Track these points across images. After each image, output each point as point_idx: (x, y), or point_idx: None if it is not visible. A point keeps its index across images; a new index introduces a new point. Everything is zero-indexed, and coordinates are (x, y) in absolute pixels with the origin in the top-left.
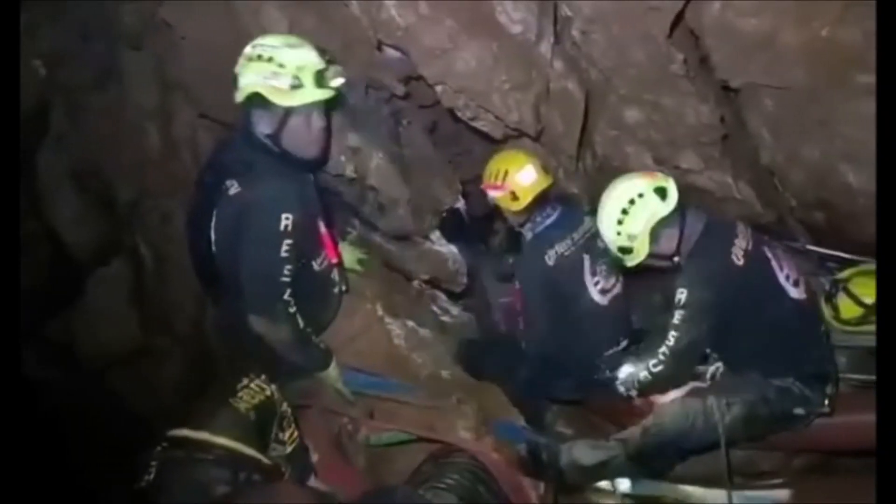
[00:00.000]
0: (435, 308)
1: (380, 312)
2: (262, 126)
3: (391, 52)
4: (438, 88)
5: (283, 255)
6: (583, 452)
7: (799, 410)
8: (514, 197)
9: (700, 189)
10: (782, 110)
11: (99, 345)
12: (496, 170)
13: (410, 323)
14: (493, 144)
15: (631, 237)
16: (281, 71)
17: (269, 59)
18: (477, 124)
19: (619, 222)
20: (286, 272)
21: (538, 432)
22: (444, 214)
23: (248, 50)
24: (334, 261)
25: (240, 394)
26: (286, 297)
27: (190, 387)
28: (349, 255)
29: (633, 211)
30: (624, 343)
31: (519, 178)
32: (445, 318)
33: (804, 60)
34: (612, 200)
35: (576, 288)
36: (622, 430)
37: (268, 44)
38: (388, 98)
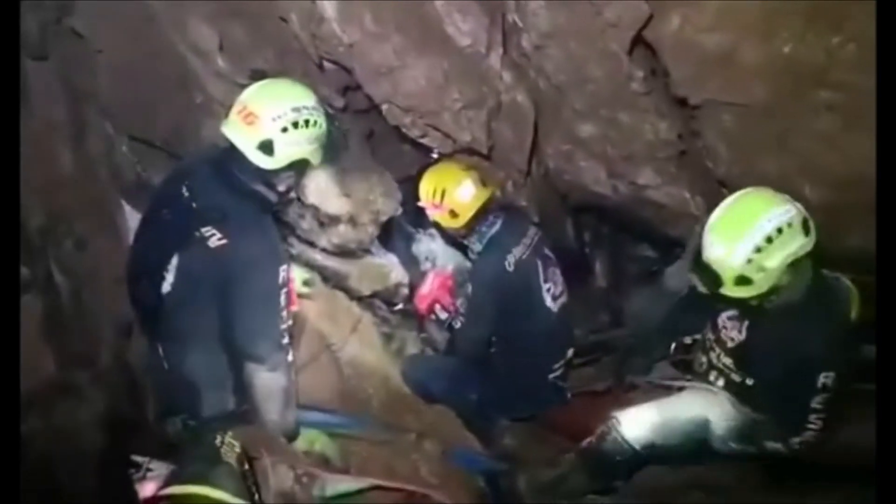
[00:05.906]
0: (375, 318)
1: (326, 337)
2: (280, 183)
3: (329, 65)
4: (384, 107)
5: (282, 304)
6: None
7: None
8: (454, 214)
9: (656, 204)
10: (740, 126)
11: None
12: (432, 189)
13: (356, 344)
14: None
15: (761, 269)
16: (321, 132)
17: (315, 124)
18: (425, 141)
19: (758, 250)
20: (285, 317)
21: (494, 456)
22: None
23: (290, 115)
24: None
25: (222, 449)
26: (285, 341)
27: (115, 426)
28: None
29: (780, 242)
30: (570, 354)
31: (458, 196)
32: (385, 329)
33: (764, 77)
34: (753, 222)
35: (532, 292)
36: (575, 443)
37: (308, 106)
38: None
